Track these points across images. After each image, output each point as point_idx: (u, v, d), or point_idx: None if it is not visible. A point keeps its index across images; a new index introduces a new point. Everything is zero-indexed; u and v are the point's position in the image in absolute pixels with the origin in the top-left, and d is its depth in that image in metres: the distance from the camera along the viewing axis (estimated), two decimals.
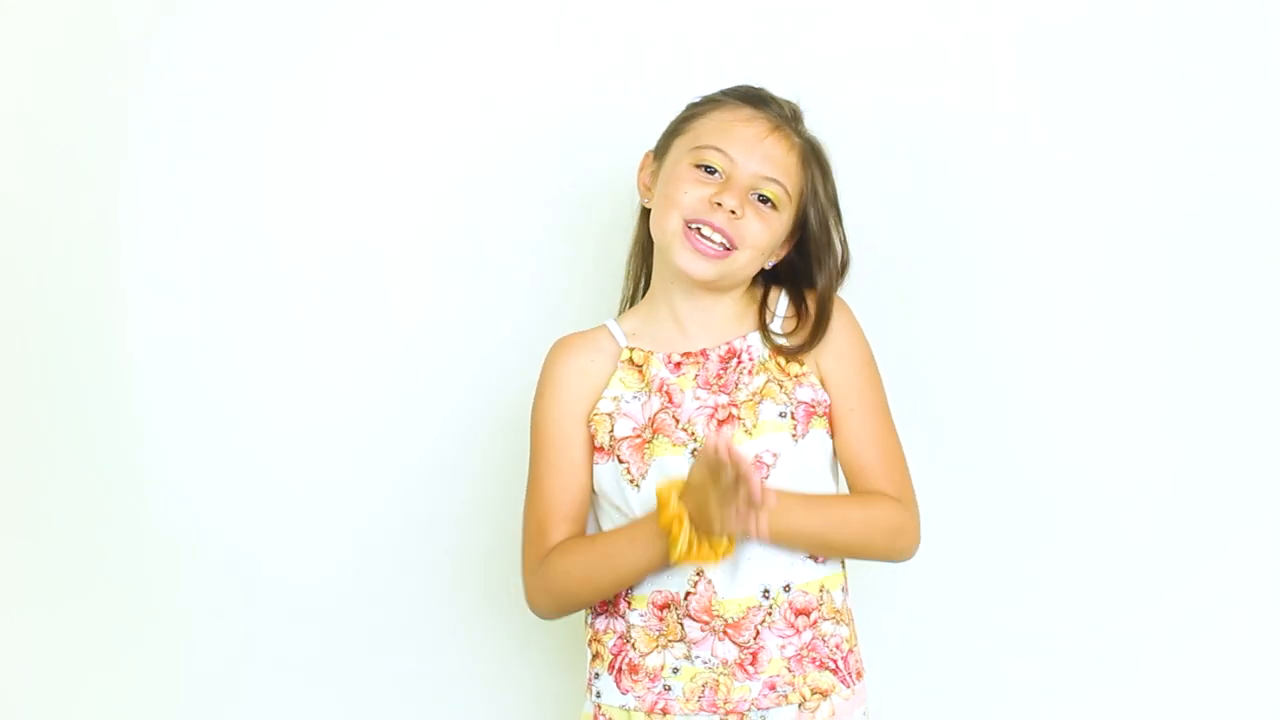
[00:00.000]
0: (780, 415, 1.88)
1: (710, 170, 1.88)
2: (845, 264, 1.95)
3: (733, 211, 1.85)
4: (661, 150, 1.95)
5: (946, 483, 2.20)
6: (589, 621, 1.93)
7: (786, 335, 1.91)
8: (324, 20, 2.32)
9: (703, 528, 1.76)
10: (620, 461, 1.88)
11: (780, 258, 1.95)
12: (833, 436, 1.91)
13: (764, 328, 1.92)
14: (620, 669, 1.89)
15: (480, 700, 2.35)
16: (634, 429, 1.89)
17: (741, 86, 1.95)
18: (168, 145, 2.34)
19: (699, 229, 1.86)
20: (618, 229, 2.06)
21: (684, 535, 1.77)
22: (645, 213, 1.97)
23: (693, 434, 1.87)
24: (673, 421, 1.88)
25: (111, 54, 2.35)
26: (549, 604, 1.92)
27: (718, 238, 1.86)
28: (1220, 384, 2.22)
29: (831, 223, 1.94)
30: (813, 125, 1.94)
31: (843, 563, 1.91)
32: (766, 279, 1.95)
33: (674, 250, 1.87)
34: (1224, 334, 2.22)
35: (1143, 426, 2.23)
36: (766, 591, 1.86)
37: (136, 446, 2.34)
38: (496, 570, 2.27)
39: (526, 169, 2.30)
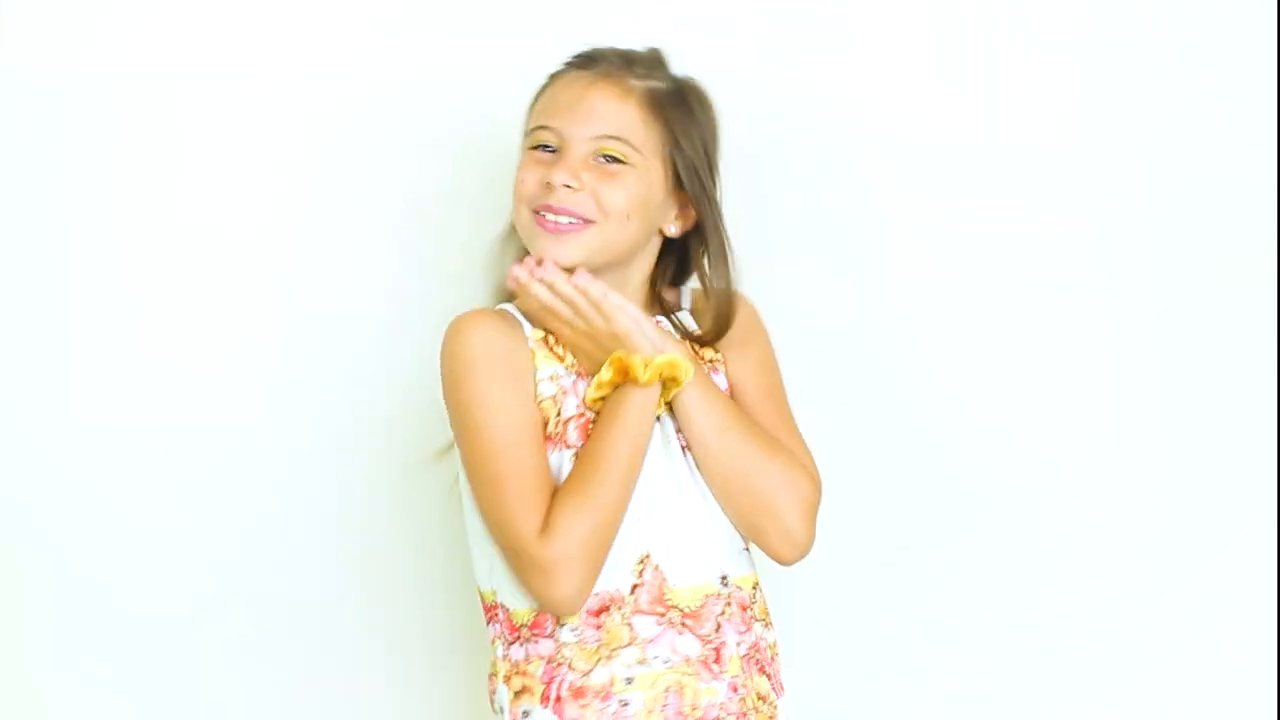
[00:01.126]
0: None
1: (547, 148, 1.72)
2: (714, 227, 1.78)
3: (567, 185, 1.69)
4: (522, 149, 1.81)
5: (928, 483, 2.16)
6: (501, 655, 1.71)
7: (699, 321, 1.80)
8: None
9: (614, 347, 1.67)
10: (568, 446, 1.69)
11: (687, 222, 1.77)
12: None
13: (669, 313, 1.79)
14: (559, 697, 1.65)
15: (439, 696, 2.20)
16: (578, 407, 1.70)
17: (578, 52, 1.79)
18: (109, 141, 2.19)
19: (540, 210, 1.71)
20: (487, 220, 1.91)
21: (635, 358, 1.65)
22: None
23: None
24: None
25: (58, 49, 2.19)
26: (581, 574, 1.64)
27: (564, 218, 1.70)
28: (1211, 383, 2.18)
29: (704, 177, 1.77)
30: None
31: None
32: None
33: (534, 245, 1.72)
34: (1215, 333, 2.18)
35: (1131, 427, 2.18)
36: (725, 578, 1.71)
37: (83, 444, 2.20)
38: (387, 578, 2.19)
39: (386, 161, 2.18)
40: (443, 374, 1.70)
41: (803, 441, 1.79)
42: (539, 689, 1.66)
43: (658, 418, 1.70)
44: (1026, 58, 2.16)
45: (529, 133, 1.75)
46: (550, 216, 1.69)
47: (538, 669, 1.67)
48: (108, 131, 2.19)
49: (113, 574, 2.20)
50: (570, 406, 1.70)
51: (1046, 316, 2.18)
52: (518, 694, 1.68)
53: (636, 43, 1.80)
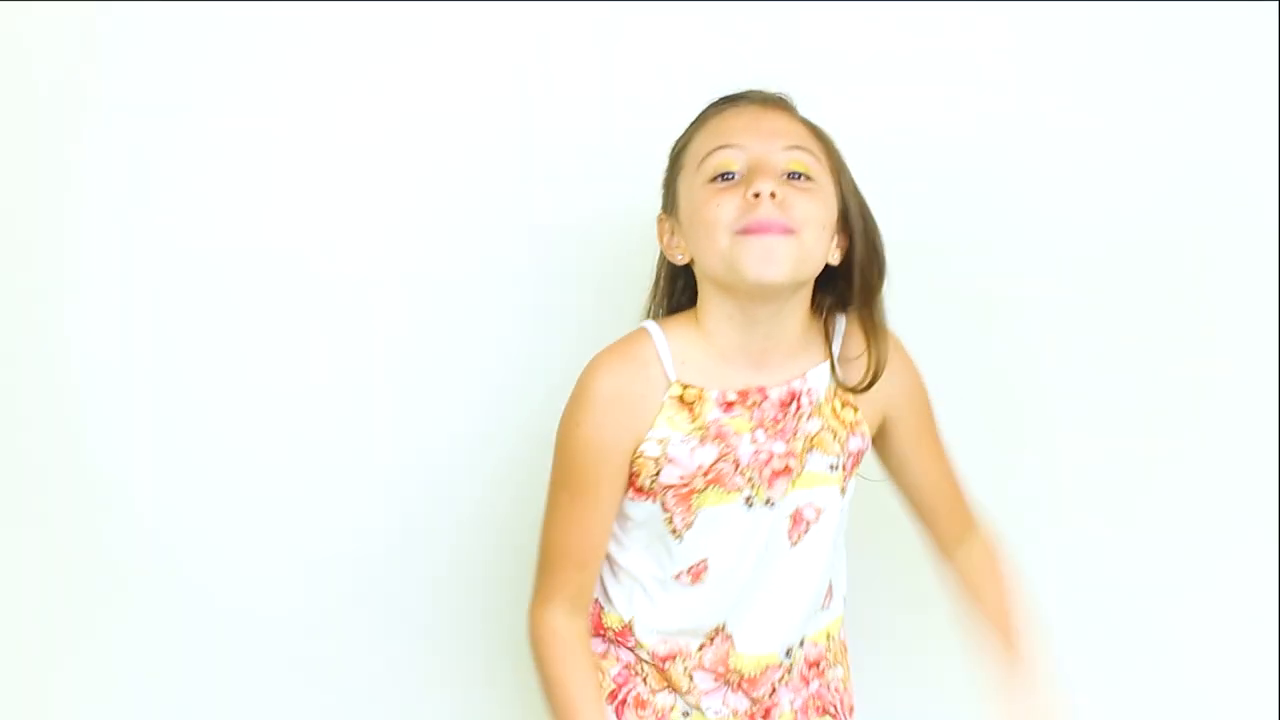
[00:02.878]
0: (830, 468, 1.75)
1: (728, 176, 1.67)
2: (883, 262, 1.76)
3: (773, 194, 1.64)
4: (668, 201, 1.76)
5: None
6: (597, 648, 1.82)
7: (849, 377, 1.76)
8: (319, 23, 2.21)
9: None
10: (664, 510, 1.72)
11: (843, 249, 1.74)
12: (891, 474, 1.84)
13: (831, 358, 1.76)
14: (625, 701, 1.78)
15: (467, 707, 2.28)
16: (681, 478, 1.71)
17: (715, 100, 1.78)
18: (121, 143, 2.22)
19: (747, 230, 1.65)
20: (630, 233, 1.98)
21: None
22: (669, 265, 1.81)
23: (750, 480, 1.71)
24: (731, 468, 1.71)
25: (62, 53, 2.22)
26: (534, 655, 1.77)
27: (773, 230, 1.64)
28: (1221, 383, 2.22)
29: (865, 203, 1.75)
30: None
31: (843, 599, 1.86)
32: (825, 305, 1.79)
33: (740, 267, 1.65)
34: (1225, 333, 2.22)
35: (1142, 426, 2.23)
36: (789, 651, 1.78)
37: (92, 453, 2.25)
38: (493, 585, 2.22)
39: (528, 170, 2.20)
40: (566, 404, 1.75)
41: (953, 470, 1.84)
42: (610, 686, 1.78)
43: (769, 502, 1.73)
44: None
45: (702, 163, 1.69)
46: (756, 236, 1.63)
47: (613, 668, 1.79)
48: (228, 134, 2.22)
49: (222, 576, 2.24)
50: (671, 475, 1.70)
51: (1047, 317, 2.21)
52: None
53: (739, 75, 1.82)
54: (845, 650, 1.88)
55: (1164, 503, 2.23)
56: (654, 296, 1.83)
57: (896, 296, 1.87)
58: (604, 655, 1.80)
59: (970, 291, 2.21)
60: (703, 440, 1.71)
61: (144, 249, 2.24)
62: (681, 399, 1.71)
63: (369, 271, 2.22)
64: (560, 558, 1.74)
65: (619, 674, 1.79)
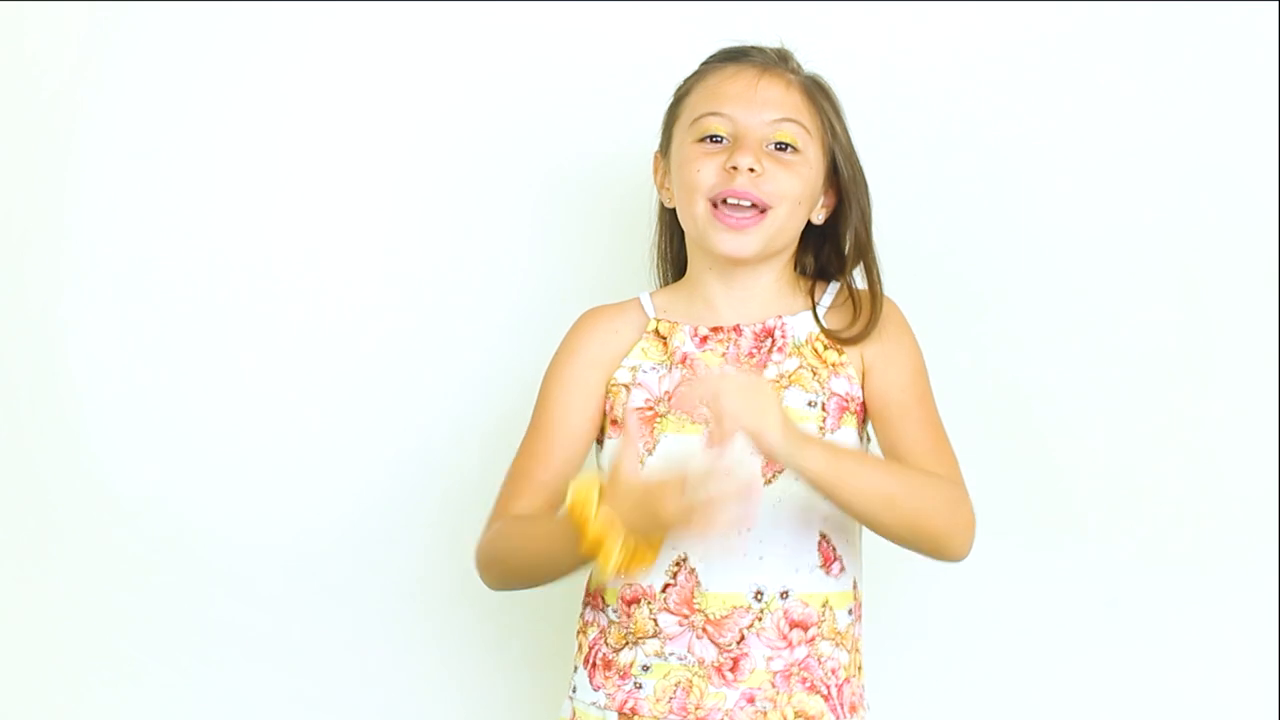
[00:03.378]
0: (809, 404, 1.74)
1: (716, 139, 1.76)
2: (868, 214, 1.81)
3: (751, 169, 1.72)
4: (665, 143, 1.84)
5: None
6: (580, 611, 1.82)
7: (838, 328, 1.78)
8: (316, 19, 2.26)
9: (642, 530, 1.58)
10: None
11: (828, 209, 1.82)
12: (879, 443, 1.78)
13: (814, 307, 1.79)
14: (594, 664, 1.77)
15: (455, 698, 2.27)
16: (645, 400, 1.76)
17: (719, 50, 1.84)
18: (118, 142, 2.28)
19: (724, 201, 1.73)
20: (628, 212, 2.01)
21: (618, 548, 1.58)
22: (669, 212, 1.87)
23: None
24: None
25: (62, 56, 2.29)
26: (483, 567, 1.79)
27: (746, 203, 1.73)
28: (1222, 384, 2.20)
29: (855, 162, 1.81)
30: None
31: (854, 583, 1.78)
32: (816, 268, 1.85)
33: (709, 238, 1.75)
34: (1234, 335, 2.19)
35: (1155, 426, 2.20)
36: (759, 594, 1.72)
37: (89, 449, 2.29)
38: None
39: (526, 152, 2.24)
40: None
41: (950, 451, 1.76)
42: (586, 650, 1.79)
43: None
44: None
45: (693, 123, 1.77)
46: (731, 204, 1.72)
47: (591, 634, 1.79)
48: (248, 131, 2.27)
49: (248, 564, 2.27)
50: (637, 398, 1.76)
51: (1049, 315, 2.20)
52: (577, 650, 1.81)
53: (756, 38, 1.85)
54: (858, 647, 1.80)
55: (1164, 503, 2.20)
56: (656, 254, 1.93)
57: (897, 296, 1.90)
58: (590, 622, 1.81)
59: (970, 291, 2.22)
60: (670, 368, 1.78)
61: (142, 247, 2.29)
62: (657, 332, 1.81)
63: (366, 267, 2.27)
64: (513, 479, 1.80)
65: (594, 637, 1.79)
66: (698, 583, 1.73)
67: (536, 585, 1.77)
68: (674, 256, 1.91)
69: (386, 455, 2.26)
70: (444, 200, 2.26)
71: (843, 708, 1.75)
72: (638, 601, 1.74)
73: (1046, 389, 2.20)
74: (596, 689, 1.76)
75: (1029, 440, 2.20)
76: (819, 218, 1.81)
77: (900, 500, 1.67)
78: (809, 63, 1.85)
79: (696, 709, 1.72)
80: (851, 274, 1.82)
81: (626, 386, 1.78)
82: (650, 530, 1.57)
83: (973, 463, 2.05)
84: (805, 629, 1.73)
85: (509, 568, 1.77)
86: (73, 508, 2.29)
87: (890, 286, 1.85)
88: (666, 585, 1.73)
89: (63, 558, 2.28)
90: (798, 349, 1.77)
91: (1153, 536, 2.19)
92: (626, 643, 1.75)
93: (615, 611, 1.76)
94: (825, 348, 1.77)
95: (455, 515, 2.19)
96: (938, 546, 1.72)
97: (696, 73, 1.84)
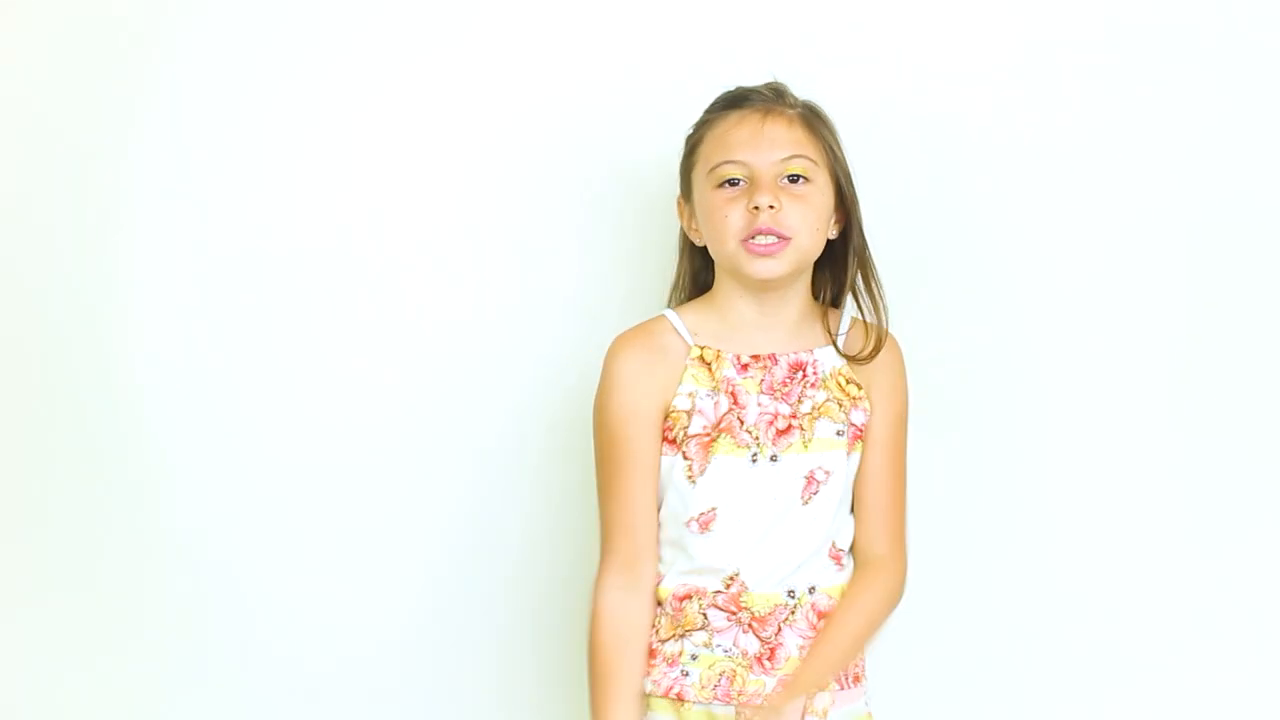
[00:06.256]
0: (837, 433, 1.94)
1: (734, 183, 1.92)
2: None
3: (771, 206, 1.89)
4: (685, 189, 2.00)
5: (953, 486, 2.22)
6: None
7: (854, 351, 1.96)
8: (332, 20, 2.28)
9: None
10: (685, 458, 1.92)
11: (840, 224, 1.98)
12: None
13: (833, 338, 1.97)
14: (651, 650, 1.93)
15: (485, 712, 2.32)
16: (704, 427, 1.92)
17: (720, 96, 2.00)
18: (171, 145, 2.31)
19: (753, 238, 1.90)
20: (654, 223, 2.11)
21: None
22: (687, 239, 2.01)
23: (756, 438, 1.92)
24: (738, 423, 1.92)
25: (112, 56, 2.31)
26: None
27: (770, 238, 1.90)
28: (1222, 384, 2.22)
29: (851, 181, 1.98)
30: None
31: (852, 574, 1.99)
32: (834, 292, 2.01)
33: (744, 267, 1.91)
34: (1224, 336, 2.22)
35: (1151, 428, 2.23)
36: (791, 593, 1.93)
37: (140, 453, 2.32)
38: (514, 577, 2.29)
39: (558, 163, 2.28)
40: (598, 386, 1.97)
41: (903, 494, 2.00)
42: (650, 638, 1.95)
43: (773, 458, 1.92)
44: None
45: (710, 171, 1.94)
46: (759, 240, 1.90)
47: (654, 621, 1.95)
48: (287, 142, 2.29)
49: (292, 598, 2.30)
50: (697, 424, 1.93)
51: (1050, 315, 2.22)
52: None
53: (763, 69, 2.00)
54: None
55: (1164, 504, 2.23)
56: (678, 277, 2.06)
57: (896, 297, 2.03)
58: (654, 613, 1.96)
59: (969, 291, 2.25)
60: (719, 394, 1.94)
61: (189, 246, 2.32)
62: (702, 359, 1.95)
63: (407, 268, 2.30)
64: (610, 527, 1.95)
65: (650, 628, 1.95)
66: (746, 588, 1.92)
67: None
68: (694, 282, 2.05)
69: (434, 467, 2.29)
70: (482, 199, 2.29)
71: (847, 679, 1.96)
72: (689, 598, 1.93)
73: (1045, 389, 2.24)
74: (644, 676, 1.92)
75: (1027, 441, 2.24)
76: (833, 233, 1.98)
77: (866, 638, 1.96)
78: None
79: (739, 694, 1.91)
80: (856, 291, 1.99)
81: (688, 413, 1.93)
82: None
83: (970, 463, 2.24)
84: (826, 616, 1.95)
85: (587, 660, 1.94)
86: (121, 506, 2.33)
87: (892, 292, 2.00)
88: (718, 591, 1.92)
89: (110, 559, 2.33)
90: (824, 383, 1.96)
91: (1152, 536, 2.23)
92: (675, 634, 1.93)
93: (667, 605, 1.94)
94: (847, 381, 1.97)
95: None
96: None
97: (704, 121, 1.99)
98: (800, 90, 2.00)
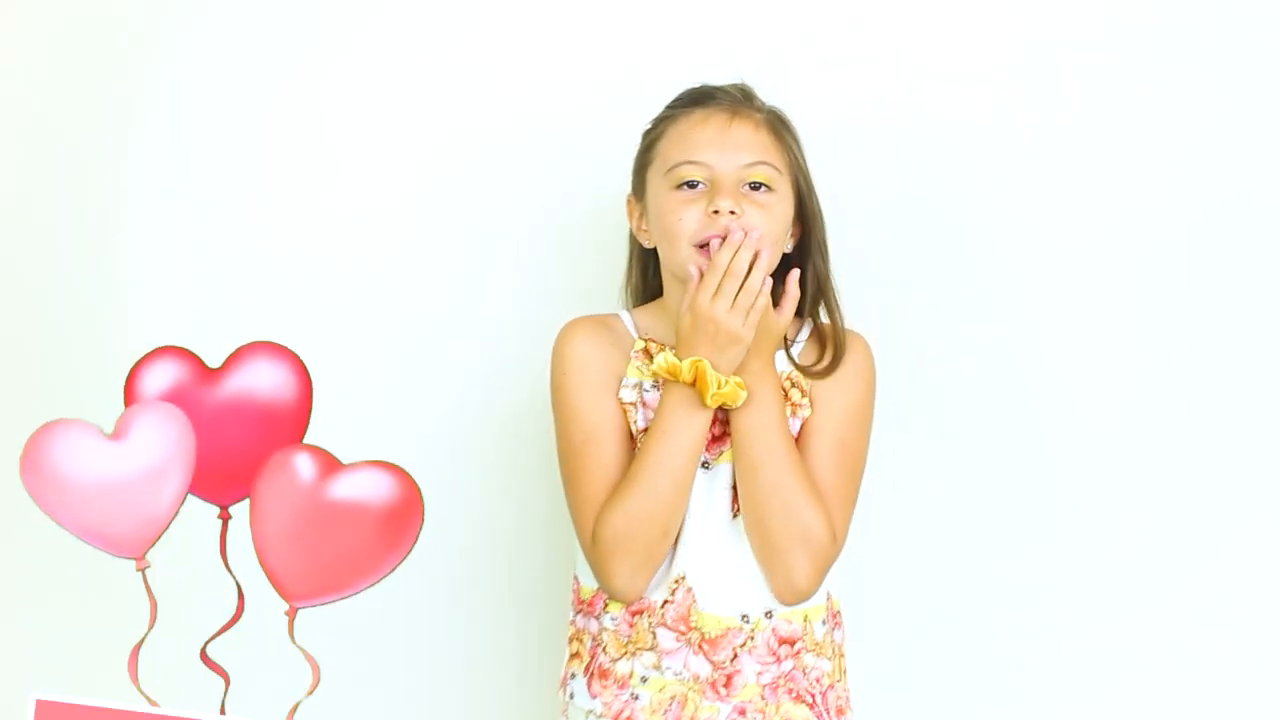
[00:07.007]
0: None
1: (692, 185, 1.82)
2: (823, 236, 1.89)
3: (732, 212, 1.79)
4: (638, 188, 1.90)
5: (952, 486, 2.23)
6: (571, 618, 1.90)
7: (809, 364, 1.87)
8: (326, 22, 2.30)
9: (717, 348, 1.75)
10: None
11: (795, 238, 1.88)
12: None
13: (786, 347, 1.87)
14: (593, 672, 1.85)
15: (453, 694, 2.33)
16: (649, 419, 1.83)
17: (685, 92, 1.90)
18: (171, 145, 2.33)
19: (708, 244, 1.80)
20: (609, 225, 2.07)
21: (710, 375, 1.74)
22: (638, 243, 1.94)
23: None
24: None
25: (112, 56, 2.33)
26: (627, 562, 1.80)
27: None
28: (1221, 385, 2.23)
29: (815, 194, 1.89)
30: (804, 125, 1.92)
31: (828, 595, 1.88)
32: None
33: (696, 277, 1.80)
34: (1222, 336, 2.22)
35: (1142, 430, 2.23)
36: (745, 617, 1.83)
37: None
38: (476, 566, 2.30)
39: (518, 165, 2.28)
40: (549, 375, 1.89)
41: (849, 501, 1.85)
42: (586, 659, 1.87)
43: (705, 465, 1.82)
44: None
45: (669, 171, 1.83)
46: (715, 246, 1.78)
47: (588, 642, 1.87)
48: (273, 143, 2.31)
49: None
50: (643, 419, 1.83)
51: (1052, 316, 2.23)
52: (572, 657, 1.89)
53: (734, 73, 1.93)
54: (840, 652, 1.90)
55: (1163, 504, 2.24)
56: (628, 279, 1.98)
57: (895, 297, 2.08)
58: (583, 631, 1.88)
59: (965, 294, 2.25)
60: (658, 392, 1.84)
61: (189, 246, 2.35)
62: (646, 351, 1.86)
63: (383, 264, 2.31)
64: (584, 509, 1.83)
65: (590, 647, 1.87)
66: (694, 601, 1.82)
67: (670, 516, 1.79)
68: (644, 285, 1.97)
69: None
70: (456, 200, 2.31)
71: (829, 712, 1.86)
72: (641, 613, 1.83)
73: (1044, 389, 2.24)
74: (594, 696, 1.85)
75: (1027, 441, 2.24)
76: (789, 247, 1.88)
77: (777, 468, 1.78)
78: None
79: None
80: (817, 309, 1.89)
81: (634, 405, 1.84)
82: (721, 344, 1.74)
83: (970, 463, 2.25)
84: (792, 644, 1.84)
85: (644, 516, 1.79)
86: None
87: (873, 291, 2.00)
88: (666, 601, 1.82)
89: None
90: None
91: (1152, 536, 2.23)
92: (625, 652, 1.84)
93: (614, 620, 1.85)
94: (792, 386, 1.86)
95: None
96: (769, 554, 1.81)
97: (664, 117, 1.89)
98: (800, 90, 1.98)
